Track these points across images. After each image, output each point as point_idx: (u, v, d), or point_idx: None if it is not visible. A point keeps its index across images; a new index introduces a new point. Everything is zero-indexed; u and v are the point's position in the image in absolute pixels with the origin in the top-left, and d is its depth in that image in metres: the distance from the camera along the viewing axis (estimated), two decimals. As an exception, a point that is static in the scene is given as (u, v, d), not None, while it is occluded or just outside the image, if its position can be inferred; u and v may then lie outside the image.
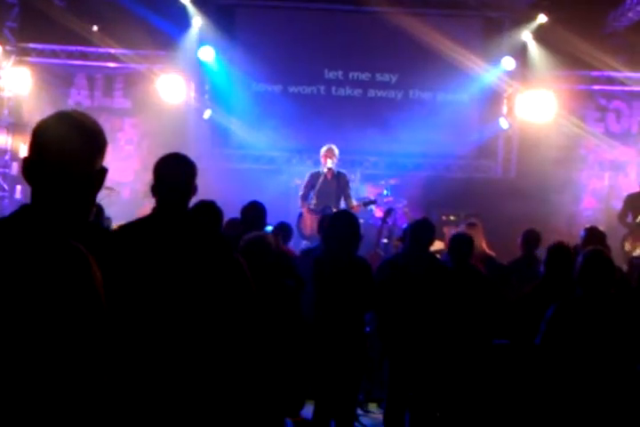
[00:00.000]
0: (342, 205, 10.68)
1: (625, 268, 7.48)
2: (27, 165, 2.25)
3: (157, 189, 3.81)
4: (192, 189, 3.80)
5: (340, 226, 6.03)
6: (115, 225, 7.69)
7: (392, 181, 12.33)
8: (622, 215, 11.61)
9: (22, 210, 2.24)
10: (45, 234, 2.16)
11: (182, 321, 3.48)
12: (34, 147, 2.25)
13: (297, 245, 10.48)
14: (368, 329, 6.51)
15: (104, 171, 2.32)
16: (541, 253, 7.64)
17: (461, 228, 8.53)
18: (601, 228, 7.87)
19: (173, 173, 3.79)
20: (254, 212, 6.79)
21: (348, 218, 6.14)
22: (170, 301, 3.46)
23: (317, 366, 5.95)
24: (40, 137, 2.26)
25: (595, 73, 13.46)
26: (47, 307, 2.05)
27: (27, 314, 2.05)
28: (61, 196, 2.23)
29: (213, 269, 3.62)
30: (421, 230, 6.37)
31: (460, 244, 6.56)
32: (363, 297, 5.92)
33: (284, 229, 8.09)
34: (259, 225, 6.56)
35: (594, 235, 7.36)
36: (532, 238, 7.73)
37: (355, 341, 5.91)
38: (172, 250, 3.56)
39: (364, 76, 13.76)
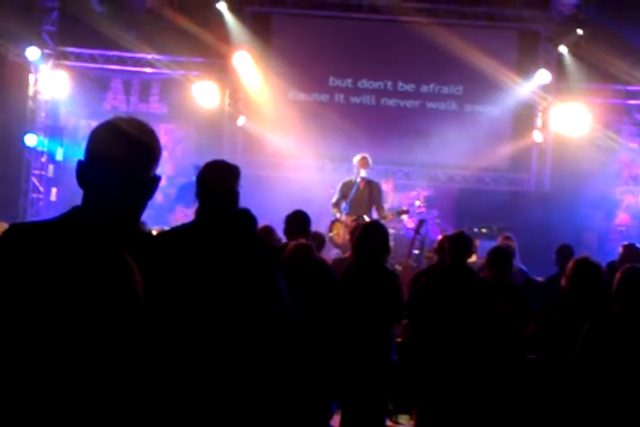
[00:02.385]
0: (374, 214, 10.67)
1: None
2: (81, 168, 2.25)
3: (199, 195, 3.84)
4: (235, 196, 3.82)
5: (369, 237, 6.05)
6: (154, 231, 7.75)
7: (424, 192, 12.31)
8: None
9: (73, 212, 2.25)
10: (92, 237, 2.17)
11: (223, 327, 3.50)
12: (89, 150, 2.24)
13: (327, 253, 10.48)
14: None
15: (157, 178, 2.32)
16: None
17: (498, 241, 8.49)
18: (636, 244, 7.81)
19: (215, 180, 3.82)
20: (298, 220, 6.81)
21: (377, 229, 6.17)
22: (212, 306, 3.48)
23: (342, 375, 5.95)
24: (95, 141, 2.24)
25: (630, 88, 13.38)
26: (87, 309, 2.07)
27: (68, 315, 2.07)
28: (113, 201, 2.23)
29: (254, 275, 3.63)
30: (459, 243, 6.36)
31: (501, 257, 6.53)
32: (389, 308, 5.93)
33: (316, 239, 8.10)
34: (302, 234, 6.57)
35: (631, 251, 7.30)
36: (566, 253, 7.68)
37: (379, 351, 5.91)
38: (215, 256, 3.58)
39: (399, 86, 13.77)
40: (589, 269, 5.80)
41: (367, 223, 6.80)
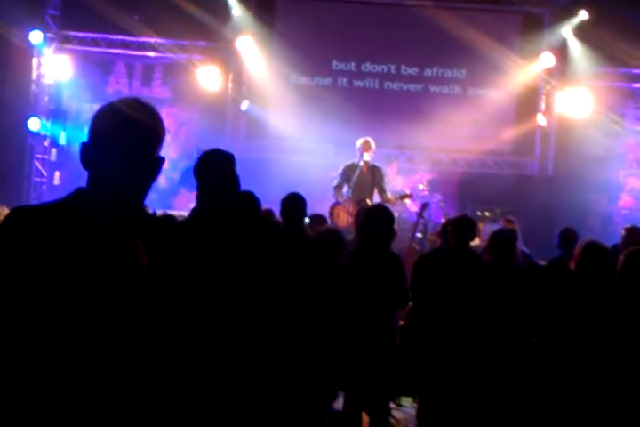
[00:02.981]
0: (376, 198, 10.66)
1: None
2: (84, 150, 2.25)
3: (198, 186, 3.87)
4: (234, 182, 3.84)
5: (375, 220, 6.04)
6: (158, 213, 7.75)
7: (427, 176, 12.31)
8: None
9: (77, 194, 2.25)
10: (96, 218, 2.18)
11: (229, 309, 3.51)
12: (93, 132, 2.25)
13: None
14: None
15: (161, 160, 2.32)
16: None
17: (501, 224, 8.49)
18: (640, 227, 7.80)
19: (211, 169, 3.84)
20: (294, 203, 6.82)
21: (382, 213, 6.16)
22: (218, 289, 3.49)
23: (346, 358, 5.96)
24: (99, 123, 2.25)
25: (635, 71, 13.33)
26: (92, 290, 2.08)
27: (72, 295, 2.08)
28: (117, 182, 2.24)
29: (266, 258, 3.65)
30: (463, 226, 6.36)
31: (503, 240, 6.52)
32: (394, 292, 5.93)
33: (318, 221, 8.12)
34: (298, 216, 6.59)
35: (634, 234, 7.28)
36: (570, 238, 7.66)
37: (384, 334, 5.92)
38: (222, 238, 3.59)
39: (403, 70, 13.74)
40: (598, 252, 5.81)
41: (372, 206, 6.79)
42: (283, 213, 6.84)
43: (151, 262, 2.16)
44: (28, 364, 2.07)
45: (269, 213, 7.56)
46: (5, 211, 4.76)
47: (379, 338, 5.89)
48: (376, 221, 6.04)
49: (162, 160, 2.33)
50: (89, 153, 2.24)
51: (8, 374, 2.08)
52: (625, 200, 13.53)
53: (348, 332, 5.87)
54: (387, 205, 8.72)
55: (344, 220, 10.43)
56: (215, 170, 3.84)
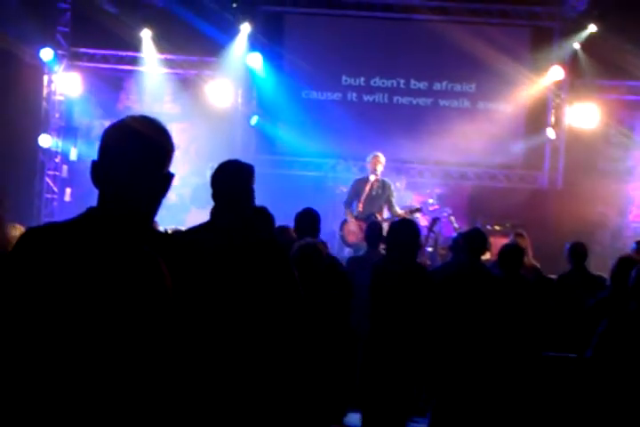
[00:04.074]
0: (386, 213, 10.67)
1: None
2: (95, 168, 2.27)
3: (214, 195, 3.86)
4: (250, 195, 3.83)
5: (402, 234, 6.03)
6: (169, 230, 7.77)
7: (437, 190, 12.31)
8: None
9: (89, 213, 2.26)
10: (112, 237, 2.19)
11: (235, 326, 3.51)
12: (103, 150, 2.27)
13: (338, 252, 10.49)
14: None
15: (171, 176, 2.34)
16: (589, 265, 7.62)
17: (511, 238, 8.48)
18: (651, 241, 7.77)
19: (229, 180, 3.83)
20: (309, 218, 6.82)
21: (410, 226, 6.15)
22: (224, 306, 3.49)
23: (373, 377, 5.93)
24: (108, 140, 2.27)
25: (644, 83, 13.33)
26: (119, 309, 2.09)
27: (96, 316, 2.09)
28: (128, 199, 2.25)
29: (268, 277, 3.65)
30: (474, 240, 6.36)
31: (511, 254, 6.52)
32: (423, 304, 5.89)
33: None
34: (312, 232, 6.57)
35: (646, 248, 7.26)
36: (580, 252, 7.65)
37: (413, 350, 5.89)
38: (229, 256, 3.59)
39: (412, 84, 13.77)
40: (631, 266, 5.77)
41: (398, 220, 6.77)
42: (297, 227, 6.84)
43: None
44: (51, 385, 2.08)
45: (285, 229, 7.55)
46: (20, 229, 4.77)
47: (408, 354, 5.84)
48: (402, 234, 6.03)
49: (171, 176, 2.35)
50: (99, 170, 2.26)
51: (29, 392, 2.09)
52: (635, 213, 13.47)
53: (375, 349, 5.84)
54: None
55: (355, 235, 10.43)
56: (231, 181, 3.84)
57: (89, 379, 2.08)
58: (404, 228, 6.09)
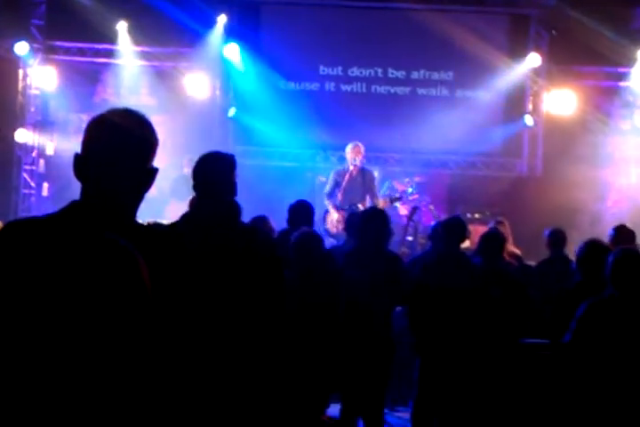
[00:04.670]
0: (368, 202, 10.67)
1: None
2: (78, 161, 2.26)
3: (196, 186, 3.85)
4: (232, 187, 3.81)
5: (371, 222, 6.05)
6: (146, 222, 7.72)
7: (417, 179, 12.30)
8: (649, 213, 11.49)
9: (71, 207, 2.25)
10: (94, 231, 2.17)
11: (219, 319, 3.50)
12: (86, 143, 2.26)
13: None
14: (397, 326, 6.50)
15: (155, 170, 2.33)
16: (568, 251, 7.65)
17: (491, 225, 8.50)
18: (628, 226, 7.80)
19: (211, 171, 3.82)
20: (302, 209, 6.83)
21: (379, 214, 6.16)
22: (207, 298, 3.48)
23: (345, 363, 5.95)
24: (92, 133, 2.26)
25: (621, 69, 13.36)
26: (95, 304, 2.08)
27: (75, 311, 2.07)
28: (111, 193, 2.24)
29: (251, 266, 3.64)
30: (454, 228, 6.37)
31: (491, 241, 6.53)
32: (393, 291, 5.92)
33: (261, 222, 8.09)
34: (305, 224, 6.57)
35: (623, 234, 7.30)
36: (559, 238, 7.69)
37: (385, 337, 5.92)
38: (211, 249, 3.58)
39: (390, 73, 13.75)
40: (600, 251, 5.80)
41: (367, 209, 6.78)
42: (290, 219, 6.85)
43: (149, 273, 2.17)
44: (28, 378, 2.06)
45: (264, 219, 7.55)
46: (-1, 224, 4.73)
47: (378, 340, 5.87)
48: (371, 222, 6.04)
49: (155, 171, 2.34)
50: (82, 164, 2.25)
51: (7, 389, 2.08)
52: (613, 199, 13.56)
53: (346, 334, 5.86)
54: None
55: (337, 226, 10.43)
56: (213, 172, 3.82)
57: (61, 378, 2.06)
58: (373, 216, 6.11)
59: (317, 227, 10.78)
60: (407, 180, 12.25)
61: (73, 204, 2.25)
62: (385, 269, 5.90)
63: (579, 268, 5.90)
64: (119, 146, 2.24)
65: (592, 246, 5.87)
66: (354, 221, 7.84)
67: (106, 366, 2.06)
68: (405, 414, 6.96)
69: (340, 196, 10.57)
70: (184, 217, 3.90)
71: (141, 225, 2.35)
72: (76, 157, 2.25)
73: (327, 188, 10.81)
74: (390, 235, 6.18)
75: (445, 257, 6.31)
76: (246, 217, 6.22)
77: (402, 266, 6.13)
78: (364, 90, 13.77)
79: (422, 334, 6.24)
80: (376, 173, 11.56)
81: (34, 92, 13.75)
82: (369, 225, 6.04)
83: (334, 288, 5.78)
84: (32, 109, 13.74)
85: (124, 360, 2.09)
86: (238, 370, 3.57)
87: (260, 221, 7.46)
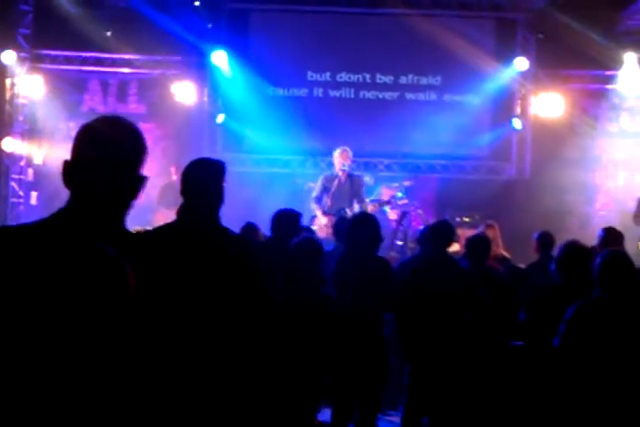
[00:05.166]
0: (356, 207, 10.66)
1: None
2: (67, 168, 2.26)
3: (184, 192, 3.84)
4: (221, 194, 3.81)
5: (361, 227, 6.04)
6: (134, 230, 7.71)
7: (406, 183, 12.31)
8: (637, 216, 11.48)
9: (59, 214, 2.25)
10: (82, 239, 2.17)
11: (201, 327, 3.49)
12: (75, 150, 2.26)
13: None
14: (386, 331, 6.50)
15: (143, 178, 2.34)
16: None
17: (480, 229, 8.52)
18: (617, 228, 7.82)
19: (201, 178, 3.81)
20: (286, 218, 6.79)
21: (369, 220, 6.16)
22: (190, 307, 3.47)
23: (337, 369, 5.94)
24: (81, 141, 2.26)
25: (608, 72, 13.42)
26: (78, 312, 2.07)
27: (59, 317, 2.07)
28: (100, 200, 2.24)
29: (236, 274, 3.63)
30: (441, 232, 6.37)
31: (478, 245, 6.54)
32: (383, 297, 5.91)
33: (250, 230, 8.06)
34: (291, 232, 6.51)
35: (612, 235, 7.32)
36: (547, 241, 7.70)
37: (376, 343, 5.90)
38: (196, 257, 3.57)
39: (378, 78, 13.78)
40: (578, 253, 5.84)
41: (357, 214, 6.77)
42: (274, 228, 6.80)
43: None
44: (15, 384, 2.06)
45: (252, 227, 7.53)
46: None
47: (369, 346, 5.86)
48: (361, 228, 6.03)
49: (144, 178, 2.34)
50: (71, 171, 2.25)
51: None
52: (601, 202, 13.60)
53: (337, 340, 5.85)
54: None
55: (325, 231, 10.41)
56: (202, 178, 3.81)
57: (46, 384, 2.06)
58: (363, 222, 6.10)
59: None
60: (396, 184, 12.25)
61: (61, 211, 2.25)
62: (375, 274, 5.89)
63: (558, 270, 5.90)
64: (108, 154, 2.24)
65: (571, 248, 5.89)
66: (342, 226, 7.86)
67: (89, 373, 2.06)
68: (396, 419, 6.94)
69: (328, 201, 10.56)
70: (171, 223, 3.89)
71: (129, 232, 2.35)
72: (65, 164, 2.26)
73: (315, 193, 10.79)
74: (380, 240, 6.17)
75: (433, 261, 6.31)
76: (235, 224, 6.24)
77: (392, 271, 6.12)
78: (353, 95, 13.80)
79: (411, 338, 6.24)
80: (367, 179, 11.57)
81: (21, 101, 13.72)
82: (359, 230, 6.03)
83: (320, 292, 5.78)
84: (20, 118, 13.71)
85: (106, 366, 2.09)
86: (224, 374, 3.56)
87: (250, 230, 7.44)
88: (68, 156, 2.29)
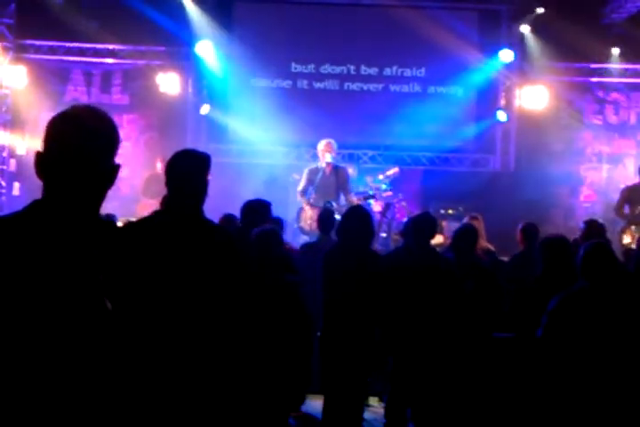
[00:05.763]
0: (342, 199, 10.66)
1: (622, 260, 7.47)
2: (40, 159, 2.25)
3: (168, 184, 3.83)
4: (204, 186, 3.79)
5: (354, 221, 6.02)
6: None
7: (392, 171, 12.29)
8: (619, 207, 11.47)
9: (34, 205, 2.24)
10: (58, 229, 2.16)
11: (181, 317, 3.48)
12: (48, 141, 2.25)
13: (294, 239, 10.47)
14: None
15: (117, 167, 2.33)
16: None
17: (465, 221, 8.53)
18: (599, 220, 7.88)
19: (185, 170, 3.80)
20: (256, 208, 6.75)
21: (361, 213, 6.14)
22: (170, 297, 3.46)
23: (331, 362, 5.94)
24: (53, 132, 2.25)
25: (593, 65, 13.47)
26: (53, 304, 2.07)
27: (37, 310, 2.07)
28: (74, 191, 2.23)
29: (217, 265, 3.62)
30: (423, 224, 6.36)
31: (465, 235, 6.54)
32: (375, 290, 5.91)
33: (276, 224, 8.07)
34: (259, 223, 6.50)
35: (593, 228, 7.36)
36: (532, 232, 7.72)
37: (368, 335, 5.91)
38: (179, 248, 3.56)
39: (362, 70, 13.78)
40: (559, 246, 5.88)
41: (350, 207, 6.73)
42: (243, 218, 6.75)
43: (107, 269, 2.17)
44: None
45: (230, 218, 7.51)
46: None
47: (362, 339, 5.86)
48: (353, 221, 6.02)
49: (117, 167, 2.33)
50: (44, 162, 2.24)
51: None
52: (586, 194, 13.67)
53: (329, 335, 5.85)
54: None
55: (310, 224, 10.41)
56: (184, 172, 3.80)
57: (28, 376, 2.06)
58: (355, 215, 6.09)
59: (291, 224, 10.81)
60: (381, 176, 12.25)
61: (35, 202, 2.24)
62: (367, 267, 5.89)
63: (542, 261, 5.96)
64: (81, 143, 2.23)
65: (552, 241, 5.95)
66: (327, 218, 7.86)
67: (75, 365, 2.06)
68: (380, 410, 6.96)
69: (313, 193, 10.55)
70: (154, 214, 3.87)
71: (104, 222, 2.35)
72: (38, 154, 2.25)
73: (301, 185, 10.77)
74: (372, 234, 6.17)
75: (415, 253, 6.31)
76: (215, 215, 6.23)
77: (379, 265, 6.12)
78: (337, 87, 13.79)
79: (394, 330, 6.24)
80: (351, 171, 11.57)
81: (4, 91, 13.63)
82: (351, 223, 6.01)
83: (296, 284, 5.79)
84: (2, 109, 13.62)
85: (94, 356, 2.08)
86: (203, 365, 3.55)
87: (228, 221, 7.43)
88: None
